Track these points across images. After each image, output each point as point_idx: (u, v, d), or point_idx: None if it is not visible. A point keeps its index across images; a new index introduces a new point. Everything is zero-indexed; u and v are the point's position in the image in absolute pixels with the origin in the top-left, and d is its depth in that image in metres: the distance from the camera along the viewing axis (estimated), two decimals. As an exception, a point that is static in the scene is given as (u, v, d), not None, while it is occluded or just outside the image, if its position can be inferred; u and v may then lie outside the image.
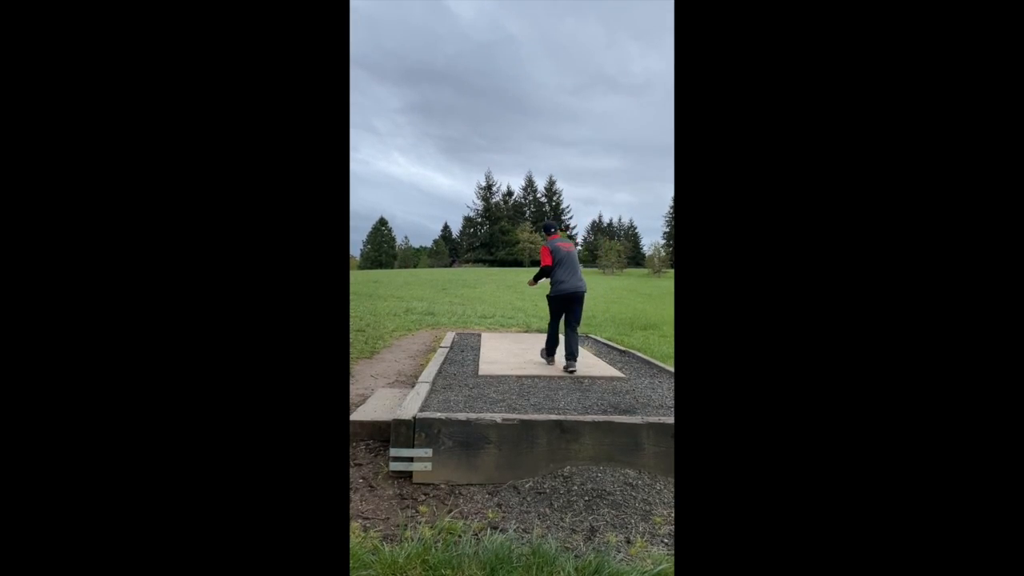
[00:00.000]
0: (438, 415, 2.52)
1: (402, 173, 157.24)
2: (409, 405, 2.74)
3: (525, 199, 66.23)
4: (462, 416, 2.51)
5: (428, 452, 2.43)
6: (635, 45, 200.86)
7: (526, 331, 7.30)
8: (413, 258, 58.42)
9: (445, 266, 53.27)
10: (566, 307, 4.00)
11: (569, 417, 2.57)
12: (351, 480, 2.43)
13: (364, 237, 60.49)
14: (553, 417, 2.56)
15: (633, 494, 2.30)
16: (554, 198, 66.43)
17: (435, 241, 63.73)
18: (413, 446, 2.44)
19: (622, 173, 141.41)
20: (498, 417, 2.51)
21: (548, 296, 4.10)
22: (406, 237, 63.43)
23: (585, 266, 51.13)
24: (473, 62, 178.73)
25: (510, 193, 65.41)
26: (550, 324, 4.18)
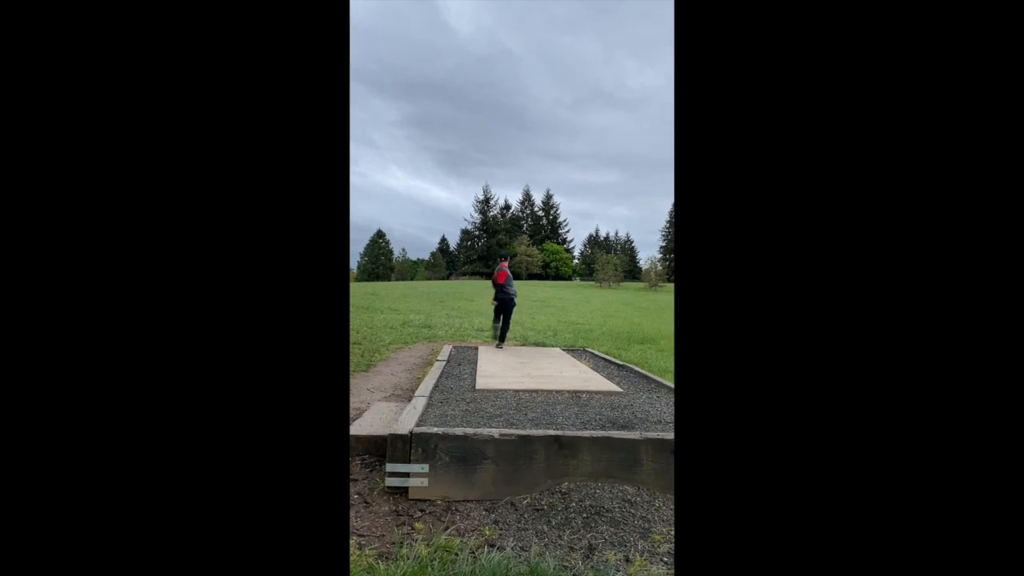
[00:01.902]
0: (435, 430, 2.49)
1: (400, 186, 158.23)
2: (406, 420, 2.72)
3: (522, 212, 66.66)
4: (459, 431, 2.49)
5: (425, 468, 2.41)
6: (632, 61, 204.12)
7: (523, 344, 7.29)
8: (410, 270, 58.42)
9: (442, 278, 53.29)
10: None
11: (567, 432, 2.55)
12: (346, 496, 2.39)
13: (361, 249, 60.54)
14: (551, 432, 2.54)
15: (632, 511, 2.27)
16: (551, 212, 66.87)
17: (432, 254, 63.86)
18: (410, 461, 2.42)
19: (619, 187, 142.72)
20: (495, 432, 2.49)
21: (508, 302, 6.35)
22: (403, 249, 63.52)
23: (582, 279, 51.35)
24: (471, 76, 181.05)
25: (507, 207, 65.84)
26: (509, 320, 6.57)
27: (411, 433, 2.45)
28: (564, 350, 6.55)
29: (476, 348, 6.39)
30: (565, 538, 2.07)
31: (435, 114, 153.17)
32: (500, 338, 6.53)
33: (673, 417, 3.12)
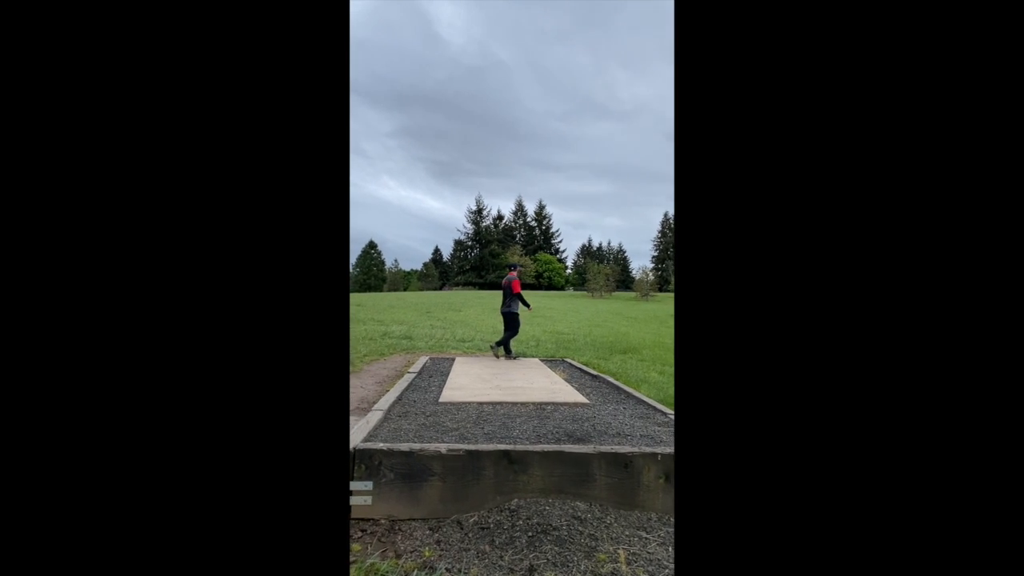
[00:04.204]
0: (380, 446, 2.41)
1: (392, 196, 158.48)
2: (353, 435, 2.63)
3: (515, 223, 66.82)
4: (405, 447, 2.41)
5: (368, 485, 2.32)
6: (622, 73, 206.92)
7: (502, 355, 7.20)
8: (403, 281, 58.21)
9: (435, 289, 53.15)
10: None
11: (517, 447, 2.47)
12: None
13: (353, 261, 60.27)
14: (501, 447, 2.46)
15: (580, 529, 2.19)
16: (544, 222, 67.10)
17: (425, 264, 63.70)
18: (352, 478, 2.33)
19: (611, 198, 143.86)
20: (443, 447, 2.41)
21: (516, 314, 6.39)
22: (396, 260, 63.42)
23: (574, 289, 51.40)
24: (463, 87, 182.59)
25: (500, 217, 66.03)
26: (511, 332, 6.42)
27: (354, 449, 2.36)
28: (543, 361, 6.48)
29: (453, 359, 6.31)
30: (506, 559, 1.99)
31: (427, 125, 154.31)
32: (506, 349, 6.43)
33: (633, 430, 3.05)
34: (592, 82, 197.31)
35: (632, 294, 37.42)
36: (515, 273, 6.52)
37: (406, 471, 2.35)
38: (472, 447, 2.44)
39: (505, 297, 6.41)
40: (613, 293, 37.68)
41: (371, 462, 2.34)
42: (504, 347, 6.46)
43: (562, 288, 54.33)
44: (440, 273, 62.40)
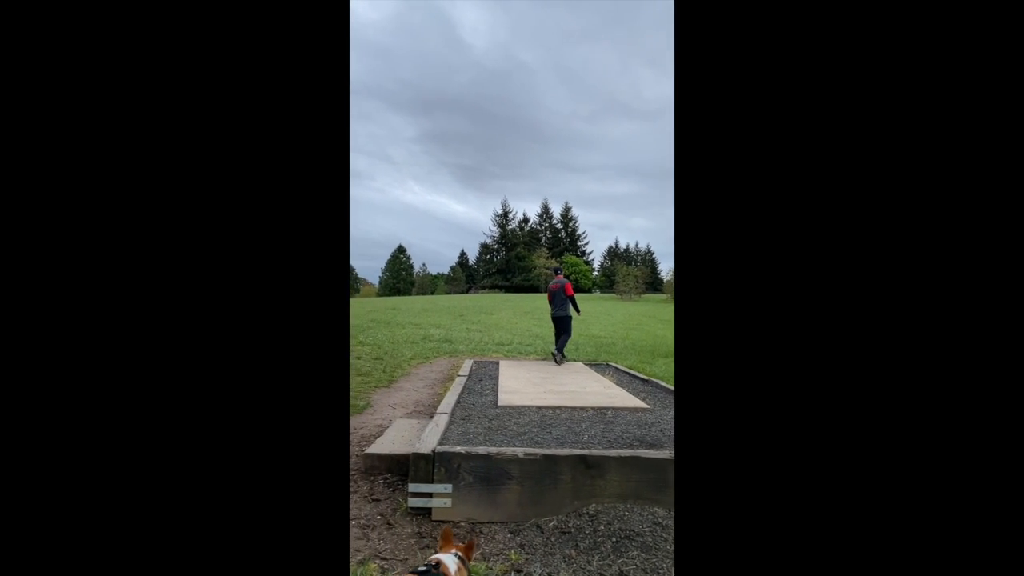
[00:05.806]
0: (458, 449, 2.44)
1: (418, 201, 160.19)
2: (428, 438, 2.67)
3: (541, 225, 66.70)
4: (483, 450, 2.43)
5: (448, 488, 2.35)
6: (648, 71, 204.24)
7: (544, 359, 7.20)
8: (431, 285, 58.87)
9: (462, 292, 53.53)
10: None
11: (594, 452, 2.47)
12: (370, 517, 2.36)
13: (383, 265, 61.29)
14: (577, 452, 2.46)
15: (663, 535, 2.17)
16: (570, 224, 66.76)
17: (452, 268, 64.28)
18: (432, 481, 2.37)
19: (638, 198, 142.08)
20: (520, 451, 2.43)
21: (570, 318, 6.32)
22: (424, 264, 64.22)
23: (602, 291, 50.92)
24: (487, 90, 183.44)
25: (526, 220, 66.02)
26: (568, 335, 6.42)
27: (433, 452, 2.40)
28: (587, 364, 6.45)
29: (496, 363, 6.34)
30: (594, 564, 1.99)
31: (452, 129, 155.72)
32: (560, 351, 6.32)
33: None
34: (617, 82, 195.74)
35: (662, 296, 36.85)
36: (562, 276, 6.43)
37: (484, 474, 2.37)
38: (548, 451, 2.45)
39: (557, 301, 6.29)
40: (643, 295, 37.17)
41: (450, 465, 2.38)
42: (560, 351, 6.33)
43: (589, 291, 53.94)
44: (467, 276, 62.85)
